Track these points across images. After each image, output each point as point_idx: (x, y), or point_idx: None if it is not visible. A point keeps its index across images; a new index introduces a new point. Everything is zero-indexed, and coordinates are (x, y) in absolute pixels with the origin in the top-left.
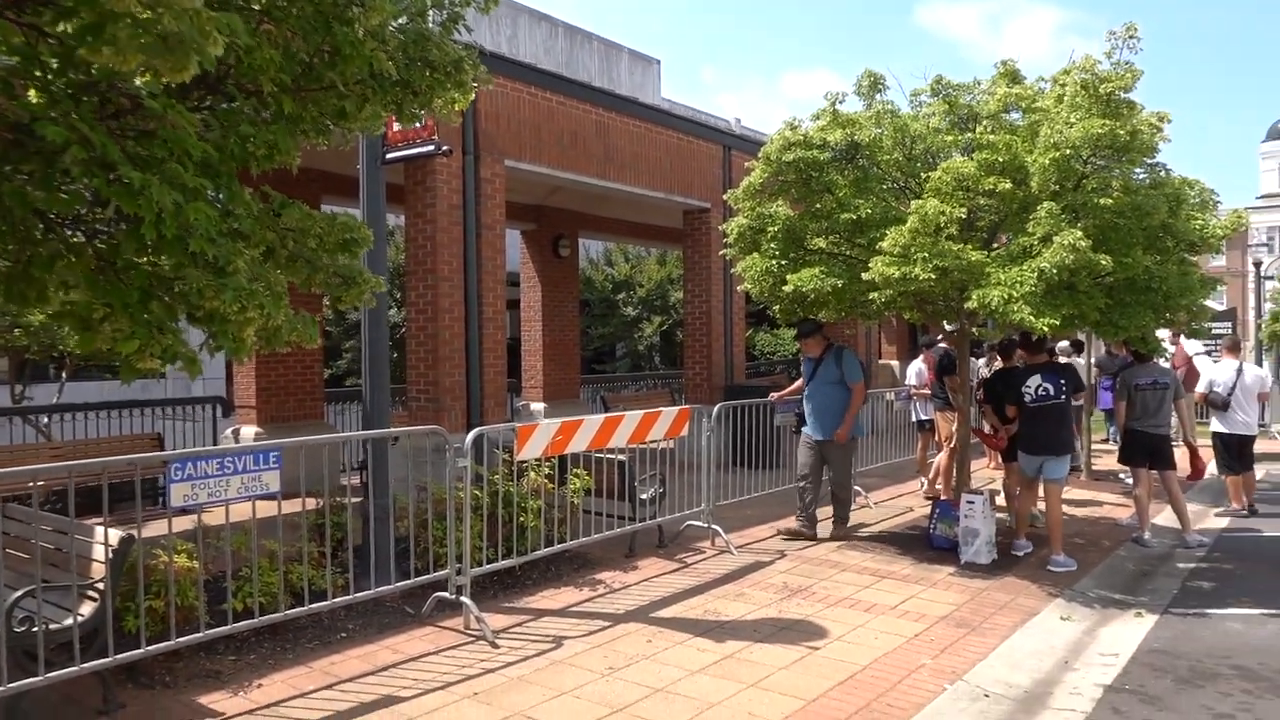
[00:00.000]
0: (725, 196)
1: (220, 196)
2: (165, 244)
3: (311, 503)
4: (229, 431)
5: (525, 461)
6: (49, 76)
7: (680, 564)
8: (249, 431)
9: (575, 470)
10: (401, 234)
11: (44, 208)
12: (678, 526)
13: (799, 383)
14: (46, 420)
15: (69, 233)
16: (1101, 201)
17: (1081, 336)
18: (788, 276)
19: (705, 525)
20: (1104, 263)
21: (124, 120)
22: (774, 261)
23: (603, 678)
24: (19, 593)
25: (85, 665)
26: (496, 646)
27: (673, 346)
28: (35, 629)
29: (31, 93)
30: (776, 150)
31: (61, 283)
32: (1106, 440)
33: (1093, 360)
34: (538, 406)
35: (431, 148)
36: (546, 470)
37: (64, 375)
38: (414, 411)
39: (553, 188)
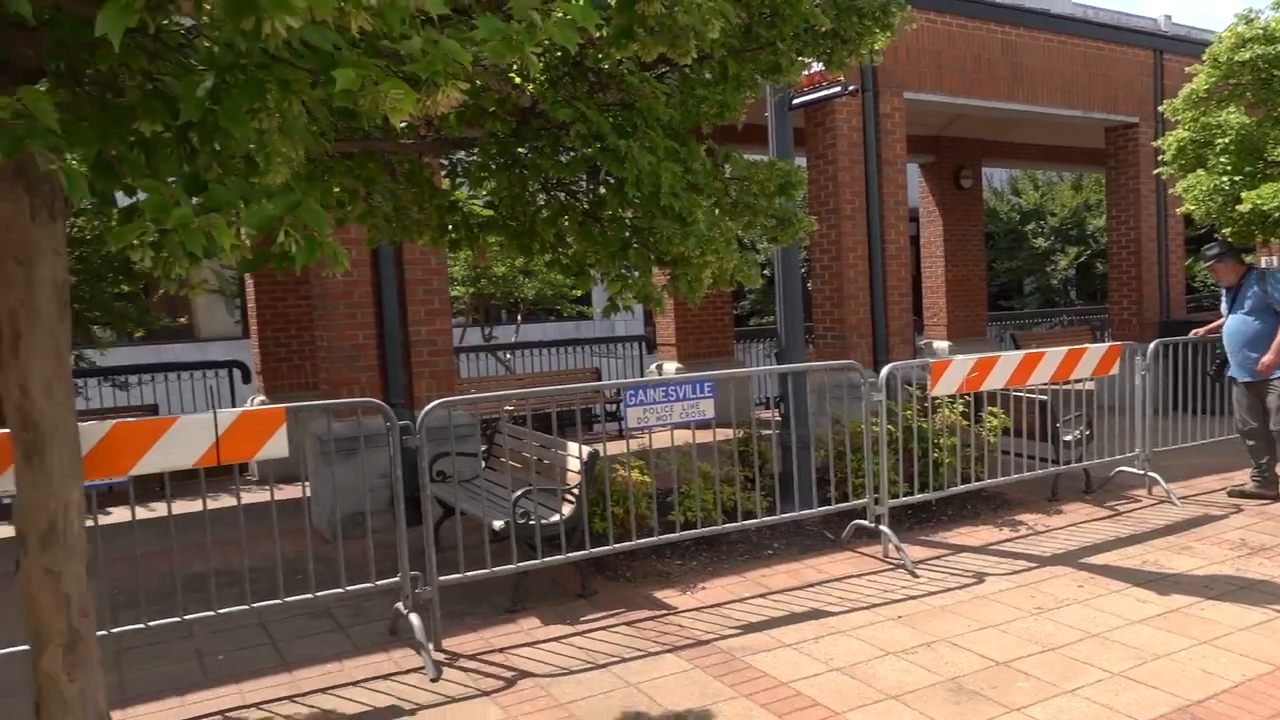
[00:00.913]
0: (1161, 108)
1: (681, 154)
2: (642, 200)
3: (732, 433)
4: (653, 366)
5: (938, 398)
6: (554, 63)
7: (1111, 511)
8: (670, 367)
9: (991, 409)
10: None
11: (553, 174)
12: (1107, 472)
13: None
14: (510, 355)
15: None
16: None
17: None
18: (1243, 194)
19: (1140, 472)
20: None
21: (599, 95)
22: (1225, 178)
23: (1030, 616)
24: (519, 492)
25: (570, 555)
26: (916, 576)
27: (1091, 280)
28: (532, 521)
29: (513, 75)
30: (1227, 50)
31: (556, 235)
32: None
33: None
34: (941, 344)
35: (839, 89)
36: (960, 408)
37: (519, 318)
38: (820, 348)
39: (952, 116)
